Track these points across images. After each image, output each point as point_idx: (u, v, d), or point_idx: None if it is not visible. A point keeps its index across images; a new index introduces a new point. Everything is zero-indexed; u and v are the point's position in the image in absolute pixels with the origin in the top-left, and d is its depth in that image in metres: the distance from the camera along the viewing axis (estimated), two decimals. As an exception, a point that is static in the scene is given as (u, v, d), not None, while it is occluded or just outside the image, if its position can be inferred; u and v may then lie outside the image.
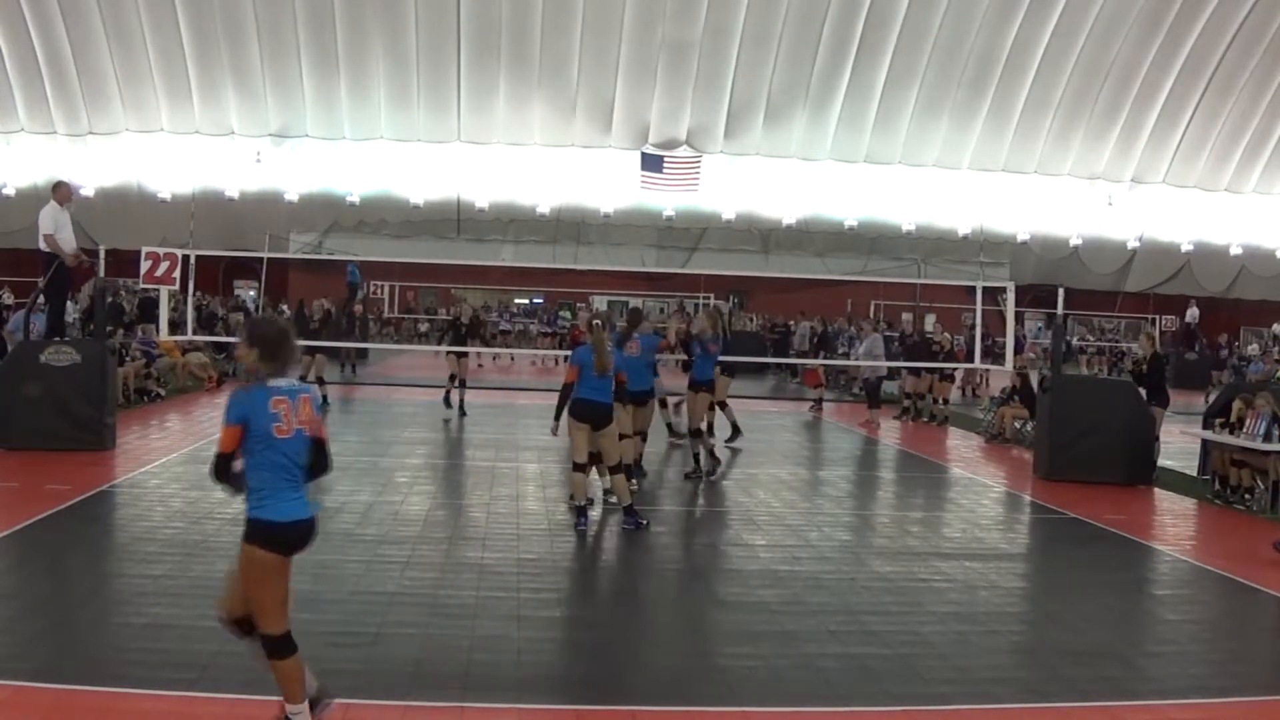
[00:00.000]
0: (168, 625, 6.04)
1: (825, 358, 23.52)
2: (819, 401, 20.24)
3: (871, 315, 30.38)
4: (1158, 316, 34.99)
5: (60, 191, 12.79)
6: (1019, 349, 24.58)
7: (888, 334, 24.76)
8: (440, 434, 15.26)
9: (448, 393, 16.86)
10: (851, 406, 20.86)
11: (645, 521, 9.01)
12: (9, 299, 26.44)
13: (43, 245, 12.46)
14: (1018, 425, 15.86)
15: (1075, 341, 31.76)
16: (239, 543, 4.50)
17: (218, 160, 33.81)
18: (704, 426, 11.85)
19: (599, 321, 9.37)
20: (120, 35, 31.71)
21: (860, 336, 20.03)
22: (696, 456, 11.64)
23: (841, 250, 34.36)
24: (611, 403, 9.04)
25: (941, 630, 6.59)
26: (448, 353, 17.36)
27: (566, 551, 8.35)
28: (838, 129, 34.70)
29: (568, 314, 36.00)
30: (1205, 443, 12.52)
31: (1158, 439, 12.89)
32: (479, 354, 28.68)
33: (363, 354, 26.21)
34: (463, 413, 16.65)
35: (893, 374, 19.80)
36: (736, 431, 14.48)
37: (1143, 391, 12.90)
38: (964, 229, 36.23)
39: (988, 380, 24.14)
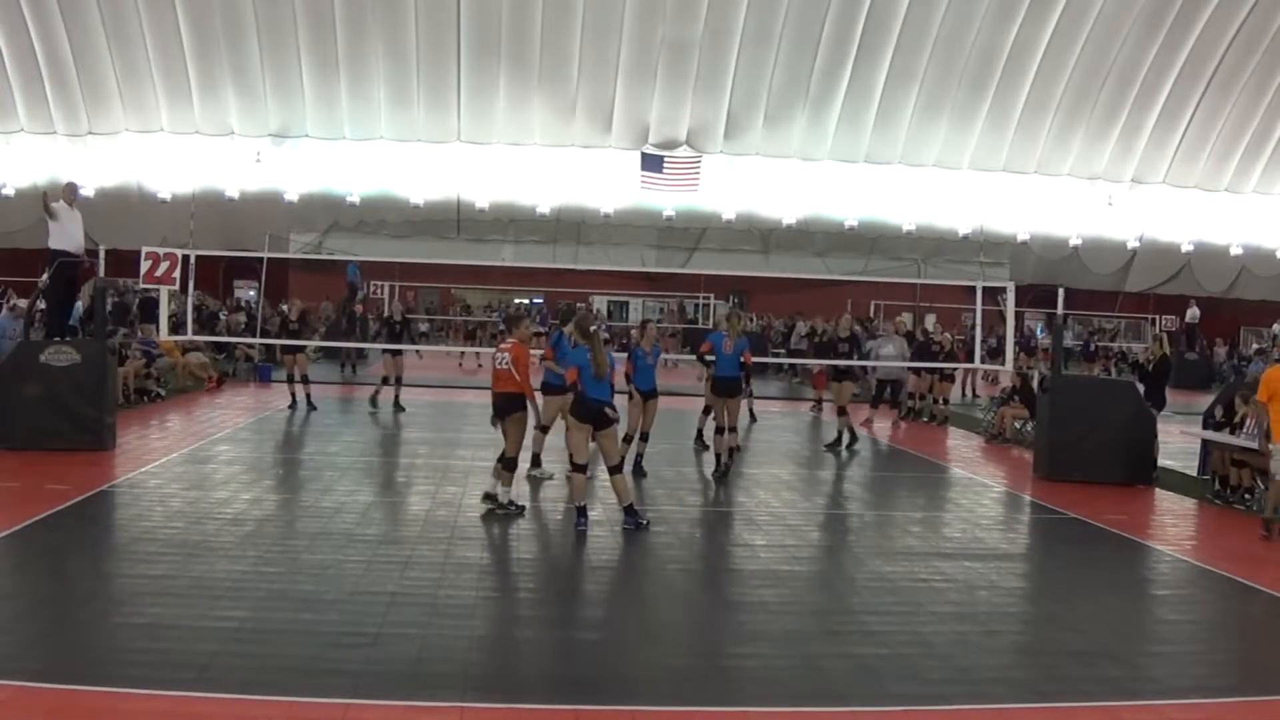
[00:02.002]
0: (168, 625, 6.04)
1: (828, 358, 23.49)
2: (819, 401, 20.25)
3: (872, 315, 30.37)
4: (1158, 316, 35.00)
5: (65, 191, 12.96)
6: (1029, 350, 24.50)
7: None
8: (440, 434, 15.25)
9: (376, 393, 17.08)
10: (850, 407, 20.81)
11: (646, 521, 9.01)
12: (13, 299, 26.43)
13: (50, 244, 12.55)
14: (1018, 425, 15.85)
15: (1089, 345, 31.74)
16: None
17: (218, 160, 33.80)
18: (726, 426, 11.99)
19: (595, 327, 9.28)
20: (120, 35, 31.71)
21: (880, 337, 19.89)
22: (731, 452, 11.99)
23: (841, 250, 34.34)
24: (611, 401, 9.04)
25: (941, 630, 6.59)
26: (383, 351, 17.48)
27: (566, 551, 8.35)
28: (838, 129, 34.70)
29: (568, 314, 35.90)
30: (1205, 443, 12.52)
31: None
32: (478, 354, 28.72)
33: (363, 354, 26.21)
34: (399, 409, 16.80)
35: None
36: (842, 440, 14.71)
37: (1141, 388, 12.93)
38: (964, 229, 36.23)
39: (997, 379, 24.14)
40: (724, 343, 11.89)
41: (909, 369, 18.93)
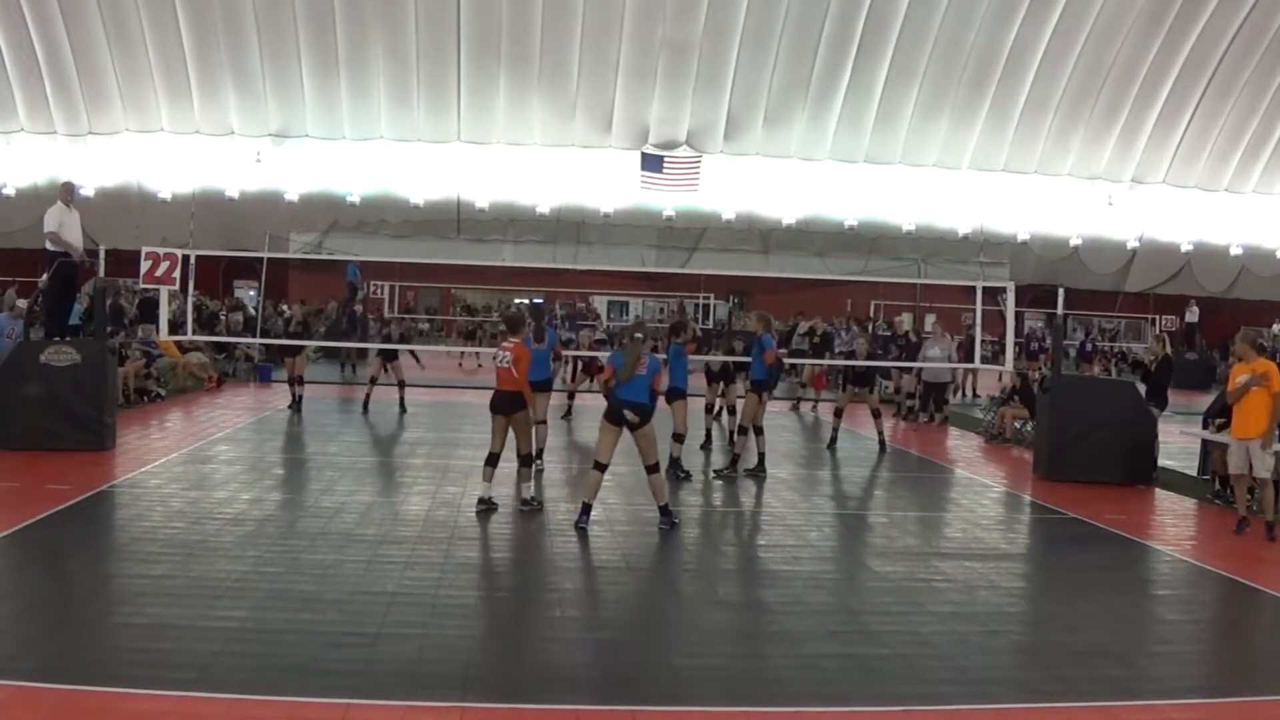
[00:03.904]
0: (168, 625, 6.04)
1: (829, 357, 23.52)
2: (815, 402, 20.33)
3: (876, 314, 30.36)
4: (1158, 316, 35.02)
5: (63, 190, 12.92)
6: (1035, 353, 24.44)
7: (884, 333, 24.73)
8: (440, 434, 15.26)
9: (367, 396, 17.15)
10: (848, 407, 20.82)
11: (677, 521, 9.10)
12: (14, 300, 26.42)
13: (49, 245, 12.52)
14: (1018, 425, 15.86)
15: (1089, 345, 31.76)
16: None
17: (218, 160, 33.82)
18: (751, 427, 12.13)
19: (640, 335, 9.28)
20: (120, 35, 31.72)
21: (928, 338, 19.82)
22: (762, 456, 12.11)
23: (841, 250, 34.36)
24: (647, 403, 9.04)
25: (941, 630, 6.59)
26: (378, 352, 17.67)
27: (567, 551, 8.35)
28: (838, 129, 34.71)
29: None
30: (1205, 443, 12.51)
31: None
32: (478, 354, 28.72)
33: (363, 354, 26.18)
34: (403, 409, 16.87)
35: (885, 374, 19.81)
36: (834, 439, 14.82)
37: (1143, 388, 12.94)
38: (964, 229, 36.24)
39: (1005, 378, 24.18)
40: (773, 344, 12.19)
41: (898, 369, 18.96)
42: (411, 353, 17.75)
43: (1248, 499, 11.06)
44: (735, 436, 14.14)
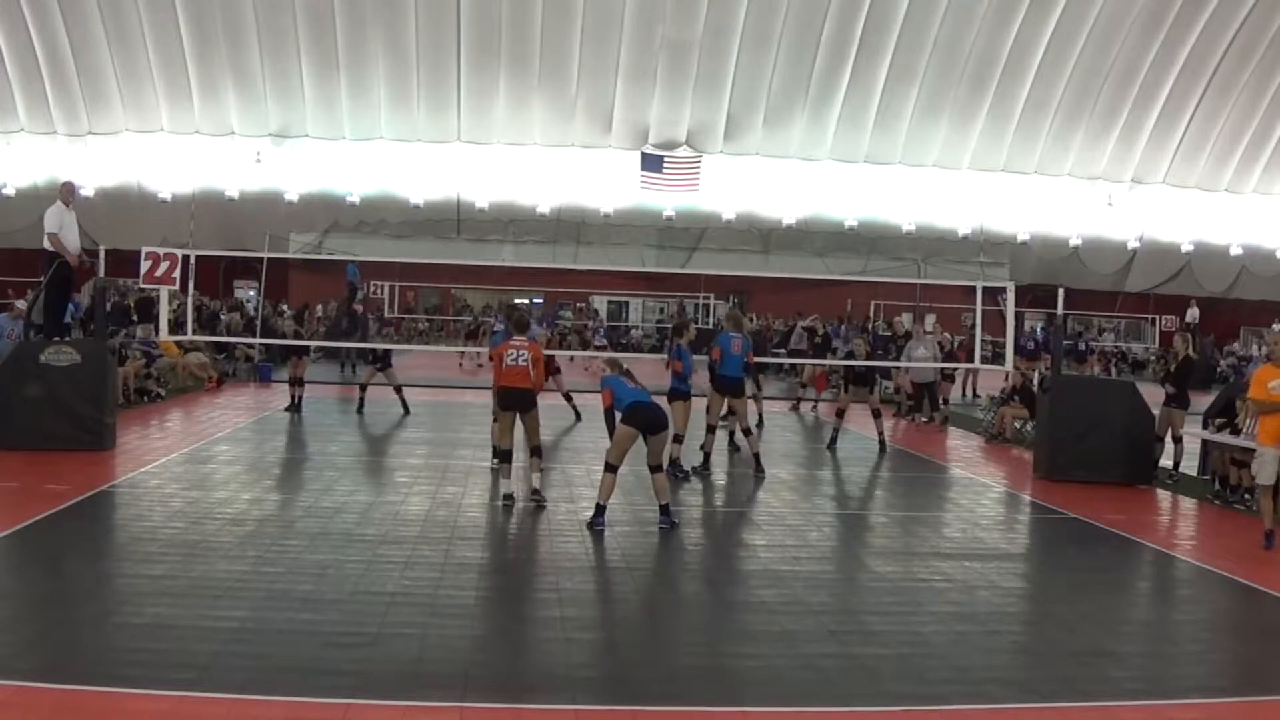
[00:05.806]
0: (168, 625, 6.04)
1: (829, 358, 23.53)
2: (815, 402, 20.33)
3: (872, 315, 30.36)
4: (1158, 317, 35.03)
5: (63, 190, 12.90)
6: (1033, 354, 24.54)
7: (884, 333, 24.73)
8: (440, 434, 15.25)
9: (361, 401, 16.96)
10: (849, 407, 20.82)
11: (677, 521, 9.17)
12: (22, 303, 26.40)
13: (47, 244, 12.51)
14: (1018, 425, 15.85)
15: (1088, 344, 31.79)
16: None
17: (218, 160, 33.84)
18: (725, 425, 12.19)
19: (628, 367, 9.49)
20: (120, 35, 31.74)
21: (914, 338, 19.81)
22: (757, 456, 12.16)
23: (841, 250, 34.38)
24: (653, 402, 9.21)
25: (941, 630, 6.59)
26: (370, 361, 17.63)
27: (566, 551, 8.35)
28: (838, 129, 34.73)
29: (568, 314, 36.04)
30: (1205, 443, 12.52)
31: (1180, 439, 12.99)
32: (478, 354, 28.68)
33: (362, 354, 26.15)
34: (406, 411, 16.70)
35: (886, 374, 19.81)
36: (835, 439, 14.78)
37: (1171, 389, 12.96)
38: (964, 229, 36.26)
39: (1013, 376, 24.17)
40: (733, 343, 12.06)
41: (897, 369, 18.95)
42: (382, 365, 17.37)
43: (1247, 498, 11.06)
44: (733, 437, 14.15)
